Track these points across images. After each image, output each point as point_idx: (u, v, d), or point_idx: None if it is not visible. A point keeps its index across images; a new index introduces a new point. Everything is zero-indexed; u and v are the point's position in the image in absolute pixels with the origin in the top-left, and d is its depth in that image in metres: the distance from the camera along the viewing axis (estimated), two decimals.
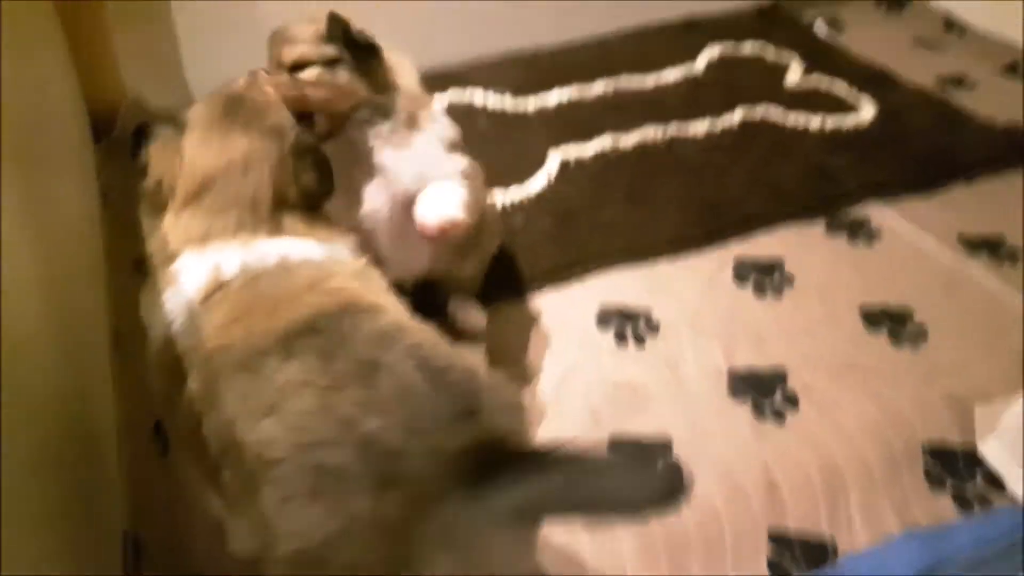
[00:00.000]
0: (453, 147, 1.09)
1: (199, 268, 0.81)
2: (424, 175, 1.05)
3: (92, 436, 0.96)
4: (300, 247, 0.84)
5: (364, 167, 1.06)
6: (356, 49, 1.04)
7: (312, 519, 0.64)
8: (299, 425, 0.67)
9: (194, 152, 0.89)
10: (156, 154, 0.93)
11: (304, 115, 1.01)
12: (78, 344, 0.99)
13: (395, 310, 0.81)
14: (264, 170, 0.87)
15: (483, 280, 1.27)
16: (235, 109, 0.91)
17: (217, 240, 0.83)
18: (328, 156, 0.94)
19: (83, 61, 1.58)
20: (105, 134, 1.64)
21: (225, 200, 0.85)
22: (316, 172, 0.91)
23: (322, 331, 0.73)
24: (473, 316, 1.24)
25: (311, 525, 0.64)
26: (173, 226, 0.86)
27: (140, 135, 1.02)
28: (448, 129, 1.10)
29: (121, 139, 1.65)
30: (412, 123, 1.06)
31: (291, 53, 1.02)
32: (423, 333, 0.77)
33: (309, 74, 1.02)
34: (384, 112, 1.05)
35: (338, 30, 1.02)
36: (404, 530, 0.64)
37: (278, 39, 1.05)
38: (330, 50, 1.03)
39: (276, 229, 0.85)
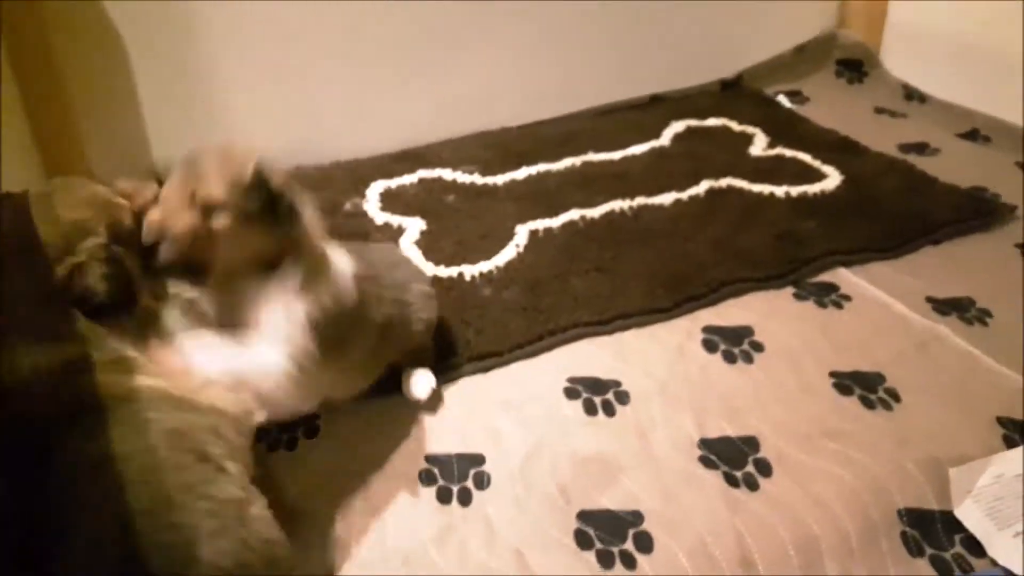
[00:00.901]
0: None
1: None
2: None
3: None
4: None
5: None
6: (276, 208, 0.96)
7: None
8: None
9: None
10: None
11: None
12: None
13: None
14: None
15: (435, 351, 1.26)
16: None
17: None
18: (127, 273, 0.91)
19: (46, 143, 1.59)
20: None
21: None
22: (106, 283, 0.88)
23: None
24: (418, 387, 1.21)
25: None
26: None
27: None
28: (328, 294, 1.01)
29: None
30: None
31: (205, 191, 0.93)
32: None
33: (219, 222, 0.94)
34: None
35: (264, 186, 0.95)
36: None
37: (193, 170, 0.95)
38: (248, 203, 0.94)
39: None
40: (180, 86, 1.77)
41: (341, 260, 1.05)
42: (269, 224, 0.96)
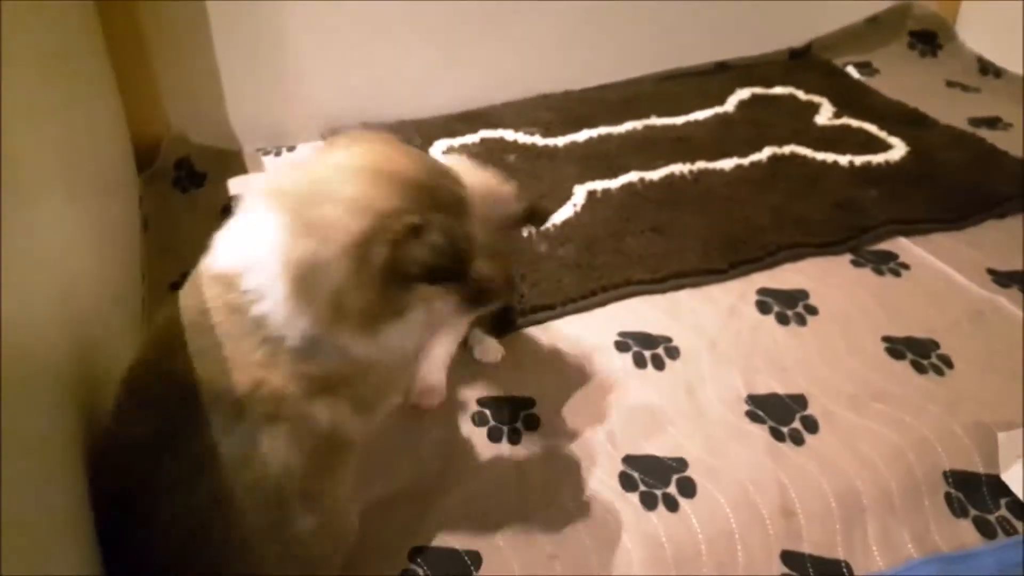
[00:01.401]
0: None
1: None
2: None
3: None
4: None
5: None
6: None
7: None
8: None
9: None
10: None
11: None
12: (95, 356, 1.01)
13: None
14: None
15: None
16: None
17: None
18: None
19: (129, 96, 1.66)
20: (148, 165, 1.71)
21: None
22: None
23: None
24: (490, 351, 1.26)
25: None
26: None
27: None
28: None
29: (163, 170, 1.72)
30: None
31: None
32: None
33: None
34: None
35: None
36: None
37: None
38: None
39: None
40: (256, 49, 1.82)
41: None
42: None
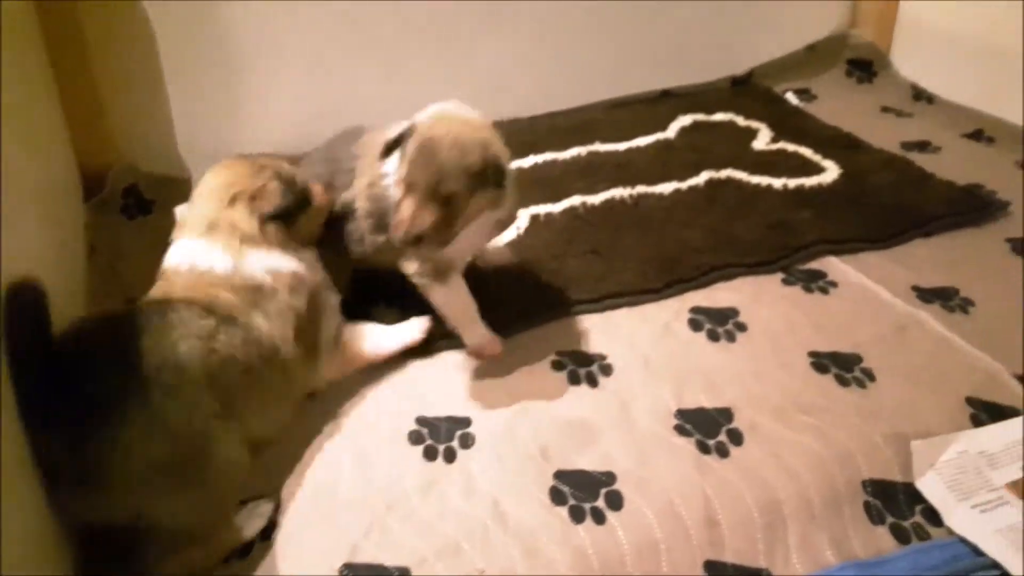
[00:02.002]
0: None
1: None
2: None
3: None
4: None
5: None
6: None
7: None
8: None
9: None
10: None
11: None
12: None
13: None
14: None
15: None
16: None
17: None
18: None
19: (77, 126, 1.68)
20: (95, 193, 1.73)
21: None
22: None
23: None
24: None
25: None
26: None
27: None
28: None
29: (111, 198, 1.74)
30: None
31: (447, 188, 1.13)
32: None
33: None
34: None
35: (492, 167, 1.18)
36: None
37: (429, 163, 1.14)
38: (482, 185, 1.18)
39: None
40: (204, 75, 1.85)
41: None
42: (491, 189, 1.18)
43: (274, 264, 1.17)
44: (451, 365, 1.31)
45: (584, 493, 1.08)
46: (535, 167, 1.89)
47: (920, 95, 2.28)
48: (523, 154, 1.92)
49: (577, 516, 1.05)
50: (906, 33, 2.36)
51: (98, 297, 1.45)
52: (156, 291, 1.13)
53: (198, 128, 1.89)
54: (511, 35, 2.09)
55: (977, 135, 2.07)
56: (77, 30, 1.67)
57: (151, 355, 0.98)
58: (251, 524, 1.05)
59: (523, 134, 2.02)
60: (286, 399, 1.17)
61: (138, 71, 1.80)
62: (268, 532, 1.04)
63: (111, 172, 1.76)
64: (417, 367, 1.31)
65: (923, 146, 2.01)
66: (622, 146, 1.97)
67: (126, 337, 1.00)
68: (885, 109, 2.23)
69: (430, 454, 1.15)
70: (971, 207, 1.69)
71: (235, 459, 1.03)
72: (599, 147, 1.96)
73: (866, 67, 2.39)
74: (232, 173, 1.23)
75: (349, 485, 1.09)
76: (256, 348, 1.09)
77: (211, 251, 1.15)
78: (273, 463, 1.13)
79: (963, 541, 1.03)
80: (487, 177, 1.16)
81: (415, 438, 1.17)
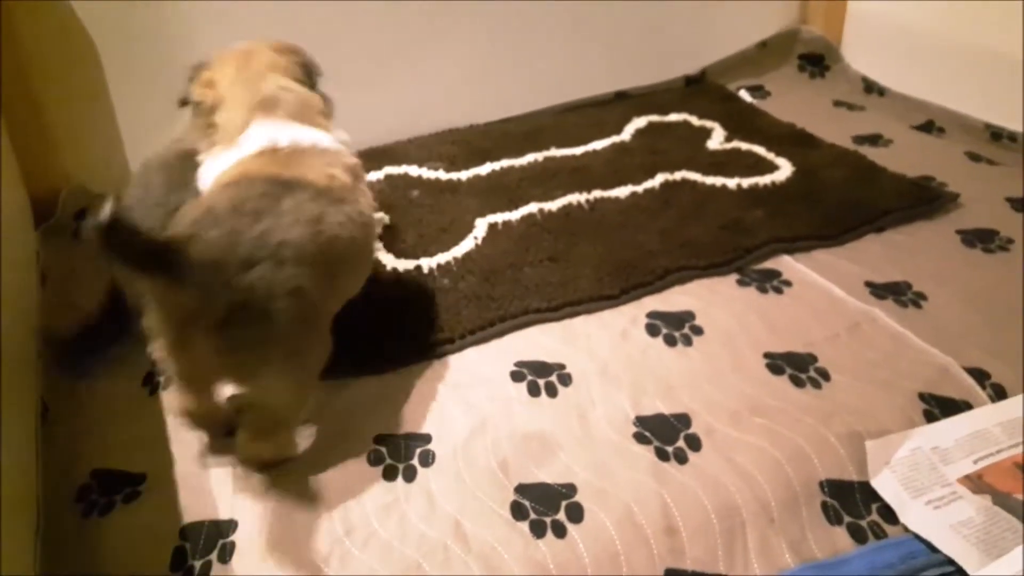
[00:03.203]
0: None
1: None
2: None
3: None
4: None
5: None
6: None
7: None
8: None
9: None
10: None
11: None
12: None
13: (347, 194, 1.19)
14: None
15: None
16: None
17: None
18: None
19: (23, 151, 1.65)
20: (46, 219, 1.70)
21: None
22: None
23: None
24: None
25: None
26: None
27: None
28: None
29: (62, 223, 1.71)
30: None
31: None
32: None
33: None
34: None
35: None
36: None
37: None
38: None
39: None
40: (152, 92, 1.81)
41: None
42: None
43: (341, 137, 1.27)
44: (411, 380, 1.30)
45: (545, 507, 1.08)
46: (492, 174, 1.88)
47: (871, 87, 2.31)
48: (479, 162, 1.92)
49: (538, 531, 1.05)
50: (856, 26, 2.39)
51: (52, 325, 1.42)
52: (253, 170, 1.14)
53: (149, 145, 1.86)
54: (461, 41, 2.08)
55: (928, 127, 2.10)
56: (13, 48, 1.63)
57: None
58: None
59: (478, 141, 2.02)
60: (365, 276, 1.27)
61: (81, 88, 1.77)
62: (225, 556, 1.03)
63: (61, 196, 1.73)
64: (375, 382, 1.30)
65: (875, 139, 2.04)
66: (578, 150, 1.98)
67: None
68: (837, 103, 2.26)
69: (390, 474, 1.14)
70: (922, 200, 1.71)
71: (328, 342, 1.13)
72: (555, 152, 1.96)
73: (818, 61, 2.41)
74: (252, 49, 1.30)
75: (307, 509, 1.08)
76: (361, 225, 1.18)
77: (301, 129, 1.20)
78: (230, 486, 1.12)
79: (918, 538, 1.04)
80: None
81: (374, 458, 1.16)
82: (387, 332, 1.37)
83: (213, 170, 1.19)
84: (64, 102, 1.74)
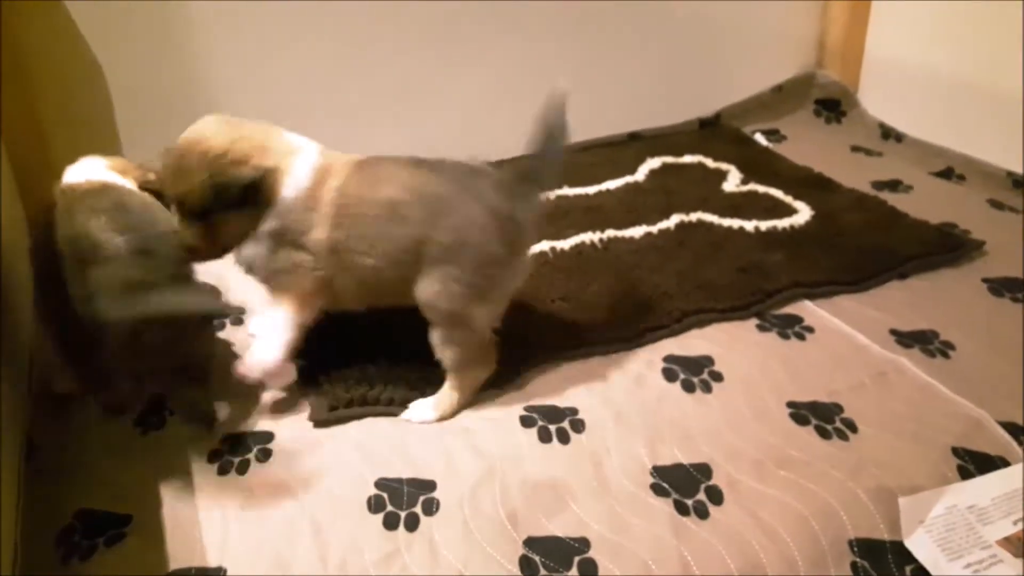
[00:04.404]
0: None
1: None
2: None
3: None
4: None
5: None
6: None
7: None
8: None
9: None
10: None
11: None
12: None
13: None
14: None
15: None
16: None
17: None
18: None
19: (21, 170, 1.60)
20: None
21: None
22: None
23: None
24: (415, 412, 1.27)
25: None
26: None
27: None
28: None
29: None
30: None
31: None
32: None
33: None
34: None
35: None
36: None
37: None
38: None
39: None
40: (155, 95, 1.78)
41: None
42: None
43: None
44: (415, 422, 1.24)
45: (556, 562, 1.01)
46: None
47: (888, 134, 2.27)
48: None
49: None
50: (873, 72, 2.37)
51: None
52: None
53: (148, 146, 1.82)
54: (474, 80, 2.06)
55: (947, 173, 2.06)
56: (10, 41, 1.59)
57: None
58: None
59: None
60: None
61: (84, 105, 1.73)
62: None
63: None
64: (380, 424, 1.24)
65: (894, 185, 1.99)
66: (591, 189, 1.93)
67: None
68: (855, 148, 2.22)
69: (391, 523, 1.07)
70: (946, 247, 1.66)
71: None
72: (568, 191, 1.92)
73: (834, 106, 2.38)
74: None
75: (304, 559, 1.02)
76: None
77: None
78: (220, 532, 1.05)
79: None
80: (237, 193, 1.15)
81: (375, 505, 1.10)
82: (390, 370, 1.31)
83: None
84: (63, 117, 1.69)
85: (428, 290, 1.18)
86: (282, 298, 1.23)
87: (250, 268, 1.25)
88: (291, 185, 1.18)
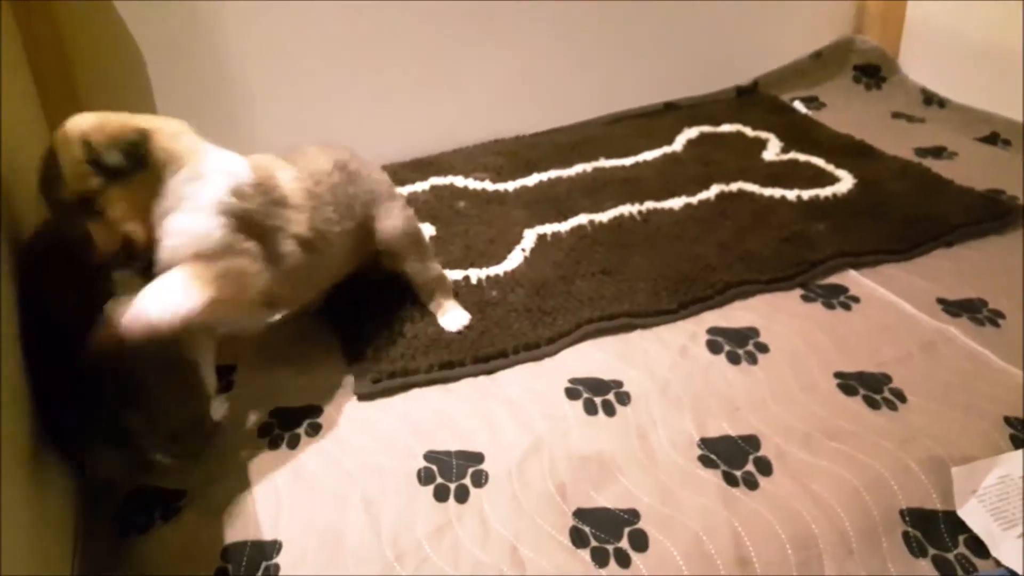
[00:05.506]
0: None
1: None
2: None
3: None
4: None
5: None
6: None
7: None
8: None
9: None
10: None
11: None
12: None
13: None
14: None
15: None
16: None
17: None
18: None
19: None
20: None
21: None
22: None
23: None
24: (448, 319, 1.38)
25: None
26: None
27: None
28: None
29: None
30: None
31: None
32: None
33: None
34: None
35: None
36: None
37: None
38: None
39: None
40: (195, 92, 1.79)
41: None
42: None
43: None
44: (462, 395, 1.25)
45: (606, 533, 1.02)
46: (539, 185, 1.83)
47: (931, 99, 2.23)
48: (526, 172, 1.87)
49: (600, 559, 0.99)
50: (914, 36, 2.31)
51: None
52: None
53: None
54: (509, 51, 2.04)
55: (992, 138, 2.02)
56: (56, 40, 1.60)
57: None
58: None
59: (524, 152, 1.97)
60: None
61: (122, 82, 1.74)
62: None
63: None
64: (425, 397, 1.25)
65: (938, 152, 1.96)
66: (628, 161, 1.92)
67: None
68: (896, 115, 2.18)
69: (441, 495, 1.08)
70: (992, 214, 1.63)
71: None
72: (604, 163, 1.91)
73: (874, 72, 2.33)
74: None
75: (356, 532, 1.03)
76: None
77: None
78: (274, 506, 1.06)
79: (1012, 573, 0.96)
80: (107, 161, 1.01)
81: (425, 477, 1.11)
82: (433, 343, 1.32)
83: None
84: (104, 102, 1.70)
85: (392, 224, 1.34)
86: (202, 275, 1.03)
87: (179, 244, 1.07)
88: (229, 169, 1.13)
